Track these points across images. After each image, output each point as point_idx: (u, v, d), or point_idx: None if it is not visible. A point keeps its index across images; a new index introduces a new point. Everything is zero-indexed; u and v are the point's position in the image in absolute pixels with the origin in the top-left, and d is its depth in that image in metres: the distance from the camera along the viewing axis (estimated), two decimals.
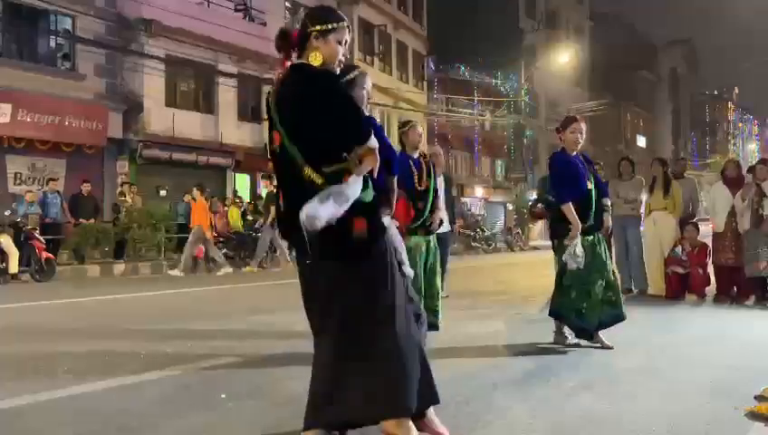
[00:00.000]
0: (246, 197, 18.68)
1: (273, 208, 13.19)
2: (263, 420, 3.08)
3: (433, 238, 5.12)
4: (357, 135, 2.39)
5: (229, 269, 12.62)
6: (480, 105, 32.20)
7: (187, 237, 14.43)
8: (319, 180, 2.35)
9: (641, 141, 53.33)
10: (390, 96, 25.87)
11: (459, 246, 20.41)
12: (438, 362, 4.17)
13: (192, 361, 4.37)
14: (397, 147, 4.22)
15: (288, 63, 2.52)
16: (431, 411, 2.73)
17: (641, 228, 8.64)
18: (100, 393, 3.61)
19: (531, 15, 38.99)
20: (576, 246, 4.55)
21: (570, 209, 4.57)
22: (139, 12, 16.64)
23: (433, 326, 4.77)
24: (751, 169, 8.00)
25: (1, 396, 3.49)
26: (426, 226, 4.98)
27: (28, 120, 14.55)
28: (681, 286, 7.95)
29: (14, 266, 10.64)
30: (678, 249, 7.97)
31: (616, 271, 5.32)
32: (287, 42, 2.52)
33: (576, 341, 4.79)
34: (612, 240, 8.16)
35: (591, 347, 4.73)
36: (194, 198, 12.88)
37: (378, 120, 3.06)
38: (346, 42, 2.56)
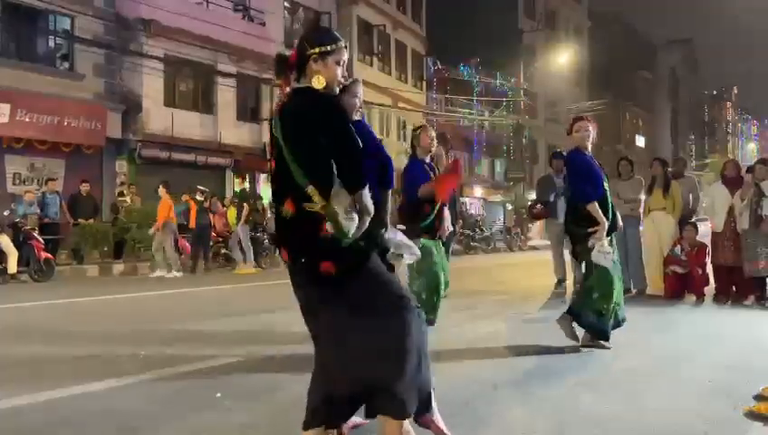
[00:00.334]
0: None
1: (246, 206, 13.12)
2: (262, 421, 3.08)
3: (438, 241, 5.18)
4: (353, 179, 2.36)
5: (178, 274, 11.97)
6: (479, 105, 32.21)
7: (186, 238, 14.44)
8: (299, 214, 2.36)
9: (640, 141, 53.34)
10: (389, 96, 25.87)
11: (458, 246, 20.41)
12: (438, 363, 4.17)
13: (192, 361, 4.37)
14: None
15: (288, 88, 2.51)
16: (435, 410, 2.74)
17: (640, 228, 8.64)
18: (99, 394, 3.61)
19: (530, 15, 38.99)
20: (605, 244, 4.50)
21: (596, 208, 4.52)
22: (138, 12, 16.62)
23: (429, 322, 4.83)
24: (750, 169, 8.00)
25: (0, 396, 3.49)
26: (431, 230, 5.00)
27: (27, 120, 14.54)
28: (680, 286, 7.96)
29: (12, 266, 10.63)
30: (677, 249, 7.98)
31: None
32: (286, 65, 2.52)
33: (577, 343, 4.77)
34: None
35: (591, 347, 4.73)
36: (160, 195, 12.42)
37: (375, 127, 3.06)
38: (344, 62, 2.56)
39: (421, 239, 4.90)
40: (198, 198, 13.42)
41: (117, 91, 16.82)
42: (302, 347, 3.73)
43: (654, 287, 8.27)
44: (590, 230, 4.55)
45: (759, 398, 3.32)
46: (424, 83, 30.27)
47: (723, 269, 7.80)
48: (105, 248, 13.56)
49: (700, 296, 7.86)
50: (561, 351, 4.69)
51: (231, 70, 18.93)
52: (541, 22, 38.94)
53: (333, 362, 2.45)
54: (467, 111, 30.97)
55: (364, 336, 2.39)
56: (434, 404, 2.74)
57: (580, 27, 45.07)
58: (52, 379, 3.90)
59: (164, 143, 17.26)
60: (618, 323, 4.74)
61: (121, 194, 15.10)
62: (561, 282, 9.48)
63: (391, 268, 2.85)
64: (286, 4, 21.85)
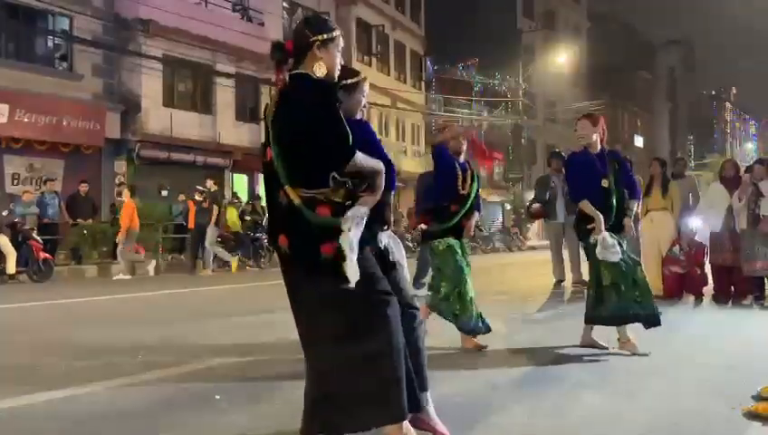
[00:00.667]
0: (244, 197, 18.67)
1: (215, 208, 12.99)
2: (262, 422, 3.08)
3: (462, 241, 5.01)
4: (340, 155, 2.37)
5: (126, 277, 11.71)
6: (478, 105, 32.22)
7: (185, 238, 14.44)
8: (296, 200, 2.35)
9: (639, 141, 53.38)
10: (388, 96, 25.87)
11: None
12: (438, 363, 4.17)
13: (191, 362, 4.37)
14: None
15: (284, 74, 2.50)
16: (432, 411, 2.74)
17: (639, 228, 8.63)
18: (98, 394, 3.61)
19: (528, 16, 39.01)
20: (606, 239, 4.47)
21: (587, 205, 4.56)
22: (137, 12, 16.61)
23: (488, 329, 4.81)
24: (748, 169, 8.01)
25: None
26: (457, 230, 4.86)
27: (26, 120, 14.53)
28: (679, 286, 7.96)
29: (11, 267, 10.63)
30: (676, 249, 7.98)
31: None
32: (284, 53, 2.51)
33: (606, 345, 4.72)
34: None
35: (590, 347, 4.73)
36: (123, 199, 12.45)
37: (374, 127, 3.05)
38: (341, 49, 2.59)
39: (447, 239, 4.82)
40: (197, 198, 13.42)
41: (116, 91, 16.81)
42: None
43: (652, 287, 8.24)
44: (588, 227, 4.57)
45: (757, 398, 3.32)
46: (423, 83, 30.29)
47: (721, 269, 7.80)
48: (104, 249, 13.55)
49: (699, 296, 7.87)
50: (560, 351, 4.69)
51: (230, 70, 18.92)
52: (539, 22, 38.97)
53: (320, 363, 2.44)
54: (466, 111, 30.99)
55: (348, 340, 2.37)
56: (431, 404, 2.75)
57: (578, 27, 45.11)
58: (52, 380, 3.89)
59: (163, 143, 17.25)
60: (622, 318, 4.63)
61: (120, 194, 15.08)
62: (560, 282, 9.49)
63: (391, 267, 2.84)
64: (285, 4, 21.85)
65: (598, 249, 4.49)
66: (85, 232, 13.09)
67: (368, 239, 2.50)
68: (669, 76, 60.86)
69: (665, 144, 57.50)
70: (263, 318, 6.42)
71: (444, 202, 4.84)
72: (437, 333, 5.04)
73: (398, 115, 27.55)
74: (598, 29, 45.69)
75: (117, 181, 16.35)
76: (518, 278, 11.66)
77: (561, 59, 33.91)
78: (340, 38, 2.57)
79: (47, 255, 11.20)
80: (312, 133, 2.36)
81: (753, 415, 3.08)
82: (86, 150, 16.00)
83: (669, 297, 7.83)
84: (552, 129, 39.17)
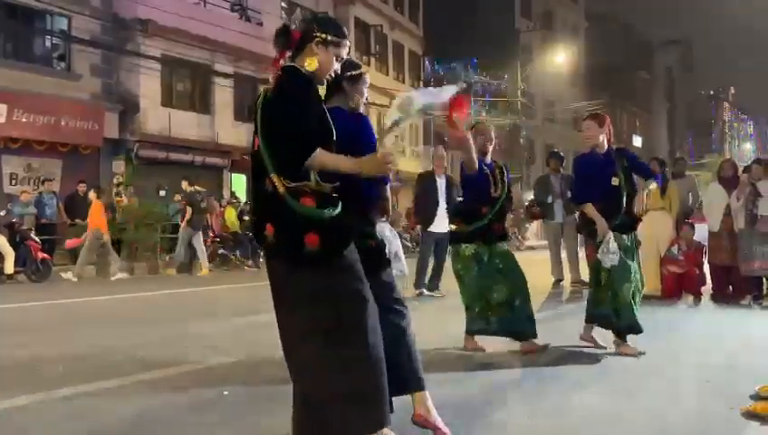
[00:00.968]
0: (243, 197, 18.67)
1: (189, 209, 12.85)
2: (261, 421, 3.08)
3: (494, 246, 4.71)
4: (300, 151, 2.33)
5: (74, 279, 11.21)
6: (476, 105, 32.21)
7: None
8: (281, 189, 2.34)
9: (637, 141, 53.40)
10: (387, 96, 25.87)
11: None
12: (437, 363, 4.18)
13: (190, 361, 4.37)
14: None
15: (280, 63, 2.50)
16: (433, 410, 2.74)
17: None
18: (97, 394, 3.60)
19: (527, 16, 39.00)
20: (608, 243, 4.47)
21: (590, 209, 4.53)
22: (135, 12, 16.59)
23: (532, 334, 4.62)
24: (746, 169, 8.03)
25: None
26: (486, 233, 4.64)
27: (24, 120, 14.50)
28: (677, 286, 7.97)
29: (9, 267, 10.61)
30: (675, 249, 7.99)
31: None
32: (287, 39, 2.50)
33: (604, 344, 4.73)
34: None
35: (588, 347, 4.74)
36: (91, 199, 12.06)
37: (374, 126, 3.01)
38: (341, 59, 2.58)
39: (474, 245, 4.61)
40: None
41: (114, 91, 16.79)
42: None
43: (651, 288, 8.26)
44: (596, 228, 4.55)
45: (755, 397, 3.33)
46: (421, 83, 30.28)
47: (720, 269, 7.82)
48: (101, 249, 13.51)
49: (697, 296, 7.88)
50: (559, 351, 4.69)
51: (228, 70, 18.91)
52: (537, 22, 38.97)
53: (299, 360, 2.44)
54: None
55: (326, 339, 2.36)
56: (430, 403, 2.75)
57: (576, 27, 45.10)
58: (50, 379, 3.89)
59: (161, 143, 17.24)
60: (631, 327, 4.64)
61: (118, 194, 15.07)
62: (558, 282, 9.50)
63: (387, 264, 2.84)
64: (283, 4, 21.85)
65: (599, 252, 4.49)
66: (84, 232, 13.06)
67: (344, 240, 2.50)
68: (668, 76, 60.90)
69: (663, 144, 57.55)
70: (262, 318, 6.39)
71: (475, 204, 4.64)
72: (437, 332, 5.04)
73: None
74: (596, 29, 45.70)
75: (115, 181, 16.33)
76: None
77: (560, 59, 33.92)
78: (346, 48, 2.56)
79: (45, 255, 11.18)
80: (284, 125, 2.36)
81: (751, 414, 3.08)
82: (84, 150, 15.98)
83: (668, 297, 7.84)
84: (551, 129, 39.18)
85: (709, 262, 7.97)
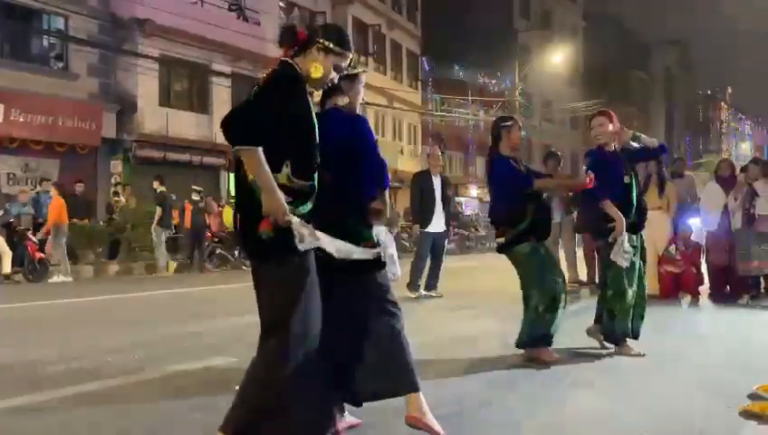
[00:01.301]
0: None
1: (159, 209, 12.71)
2: None
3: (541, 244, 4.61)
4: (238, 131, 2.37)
5: (68, 279, 11.13)
6: (474, 105, 32.23)
7: (182, 237, 14.37)
8: (250, 177, 2.37)
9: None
10: (385, 96, 25.87)
11: (453, 246, 20.43)
12: (437, 362, 4.19)
13: (190, 361, 4.37)
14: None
15: (288, 54, 2.55)
16: (428, 410, 2.73)
17: None
18: (96, 394, 3.60)
19: (525, 16, 39.04)
20: (624, 243, 4.44)
21: (609, 205, 4.49)
22: (133, 11, 16.57)
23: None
24: (744, 169, 8.05)
25: None
26: (537, 230, 4.54)
27: (21, 120, 14.48)
28: (675, 286, 7.98)
29: (6, 267, 10.60)
30: (672, 248, 8.00)
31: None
32: (293, 39, 2.53)
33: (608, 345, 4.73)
34: None
35: (589, 347, 4.75)
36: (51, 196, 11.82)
37: (372, 125, 3.02)
38: (341, 71, 2.61)
39: (530, 243, 4.52)
40: (194, 198, 13.36)
41: (111, 90, 16.77)
42: None
43: (648, 287, 8.27)
44: (610, 226, 4.51)
45: (753, 397, 3.34)
46: (419, 83, 30.29)
47: (717, 269, 7.83)
48: (100, 249, 13.53)
49: (695, 296, 7.89)
50: (558, 351, 4.70)
51: (226, 70, 18.89)
52: (535, 22, 39.01)
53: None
54: (462, 110, 31.00)
55: (268, 328, 2.51)
56: (425, 406, 2.73)
57: (575, 27, 45.15)
58: (49, 380, 3.89)
59: (159, 143, 17.22)
60: (632, 331, 4.63)
61: (116, 194, 15.05)
62: None
63: (382, 265, 2.84)
64: (281, 3, 21.83)
65: (614, 249, 4.46)
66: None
67: (363, 231, 2.50)
68: (665, 76, 60.97)
69: None
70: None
71: (516, 207, 4.46)
72: (437, 332, 5.05)
73: (394, 115, 27.55)
74: (594, 29, 45.75)
75: (113, 181, 16.32)
76: (515, 278, 11.64)
77: (558, 59, 33.93)
78: (346, 60, 2.60)
79: (42, 255, 11.17)
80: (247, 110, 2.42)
81: (749, 414, 3.09)
82: (82, 150, 15.96)
83: (665, 297, 7.85)
84: (549, 128, 39.20)
85: (707, 262, 7.98)
